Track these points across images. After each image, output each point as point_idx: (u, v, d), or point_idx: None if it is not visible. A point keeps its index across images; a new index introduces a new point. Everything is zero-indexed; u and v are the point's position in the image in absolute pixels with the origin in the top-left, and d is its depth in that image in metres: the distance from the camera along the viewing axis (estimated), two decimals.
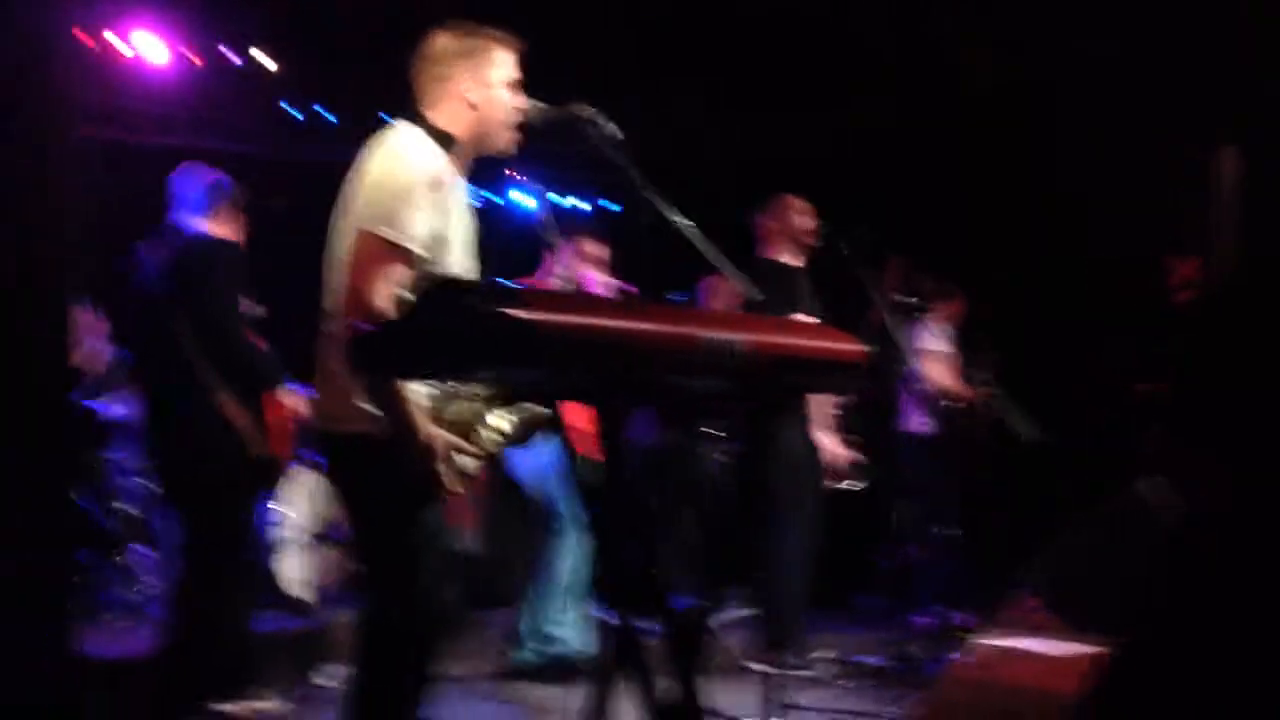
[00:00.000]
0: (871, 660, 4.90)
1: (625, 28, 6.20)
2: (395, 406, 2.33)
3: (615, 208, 7.98)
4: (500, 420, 2.42)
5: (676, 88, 6.48)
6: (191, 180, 3.77)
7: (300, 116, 6.68)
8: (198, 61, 6.04)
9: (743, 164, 6.73)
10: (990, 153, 6.20)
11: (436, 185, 2.49)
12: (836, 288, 4.34)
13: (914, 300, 5.13)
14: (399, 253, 2.45)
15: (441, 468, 2.41)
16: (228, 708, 3.72)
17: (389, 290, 2.38)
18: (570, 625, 4.61)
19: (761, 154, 6.49)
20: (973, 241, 3.72)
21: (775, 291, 3.76)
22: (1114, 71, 5.74)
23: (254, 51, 6.24)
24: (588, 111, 2.54)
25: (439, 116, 2.61)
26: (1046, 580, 3.67)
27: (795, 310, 3.34)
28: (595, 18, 6.01)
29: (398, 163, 2.51)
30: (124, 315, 3.75)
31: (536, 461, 4.55)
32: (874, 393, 4.65)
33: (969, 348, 5.42)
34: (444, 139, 2.59)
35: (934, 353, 5.67)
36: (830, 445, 4.31)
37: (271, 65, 6.30)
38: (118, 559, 5.01)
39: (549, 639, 4.60)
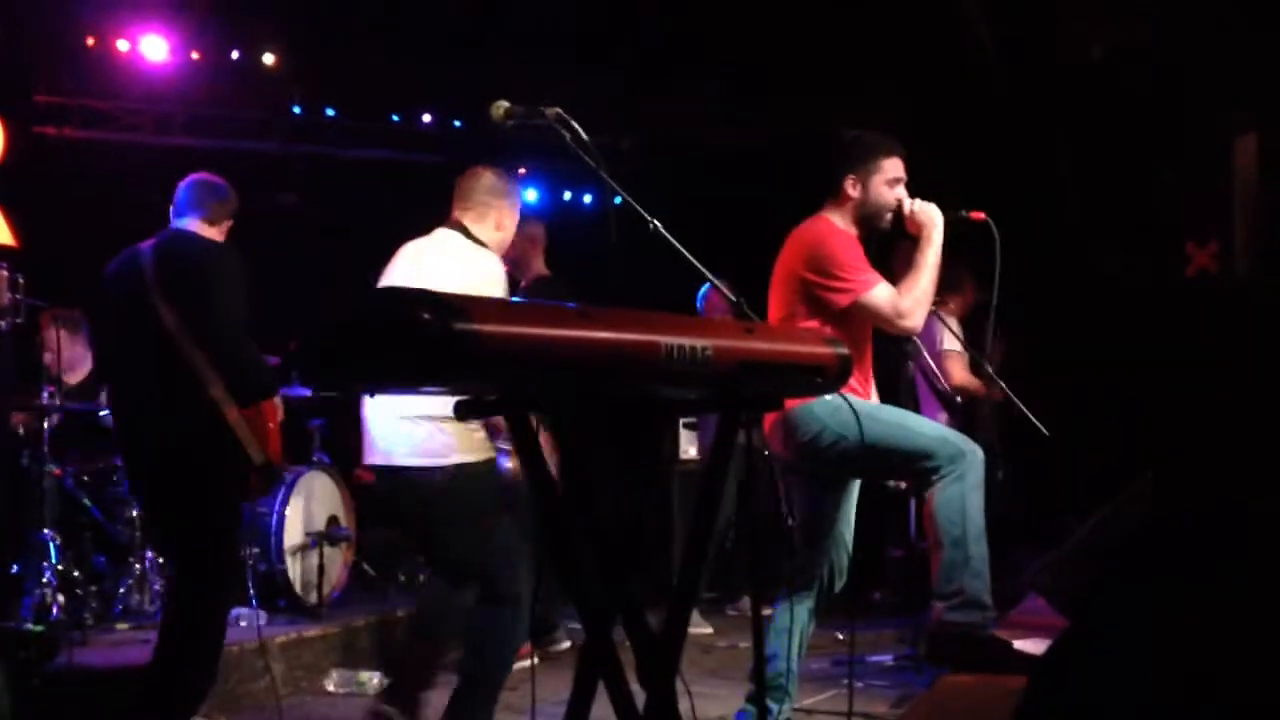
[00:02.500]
0: (881, 658, 4.83)
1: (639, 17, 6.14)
2: None
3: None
4: None
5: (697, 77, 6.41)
6: (193, 186, 3.75)
7: (300, 112, 6.66)
8: (196, 56, 6.03)
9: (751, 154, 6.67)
10: (1001, 141, 6.10)
11: None
12: None
13: None
14: None
15: None
16: None
17: None
18: None
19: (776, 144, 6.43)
20: (979, 232, 3.64)
21: None
22: (1134, 60, 5.62)
23: (254, 47, 6.23)
24: (554, 111, 2.51)
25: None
26: (1055, 580, 3.60)
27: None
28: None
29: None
30: (117, 316, 3.66)
31: None
32: (890, 390, 4.56)
33: (977, 342, 5.31)
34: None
35: (951, 352, 5.58)
36: None
37: (270, 60, 6.28)
38: (135, 566, 5.00)
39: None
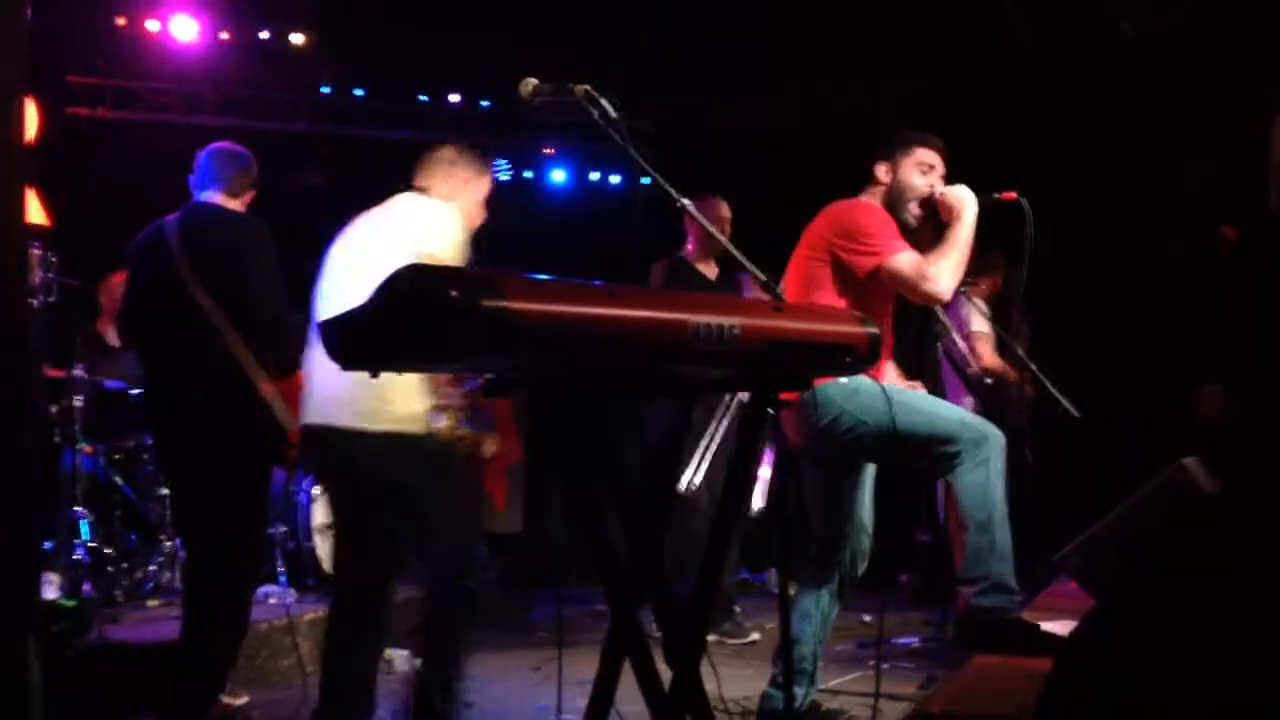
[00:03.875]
0: (907, 641, 4.82)
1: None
2: None
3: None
4: None
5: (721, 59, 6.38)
6: (214, 156, 3.73)
7: (328, 92, 6.67)
8: (225, 36, 6.04)
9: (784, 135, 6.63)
10: (1031, 121, 6.03)
11: None
12: None
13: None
14: None
15: None
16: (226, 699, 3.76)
17: None
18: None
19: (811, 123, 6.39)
20: (1011, 212, 3.59)
21: None
22: (1173, 42, 5.54)
23: (282, 28, 6.24)
24: (583, 88, 2.49)
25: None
26: (1083, 562, 3.58)
27: None
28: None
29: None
30: (144, 290, 3.69)
31: None
32: (916, 373, 4.52)
33: (1005, 323, 5.26)
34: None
35: (981, 333, 5.54)
36: None
37: (299, 41, 6.29)
38: (165, 544, 5.05)
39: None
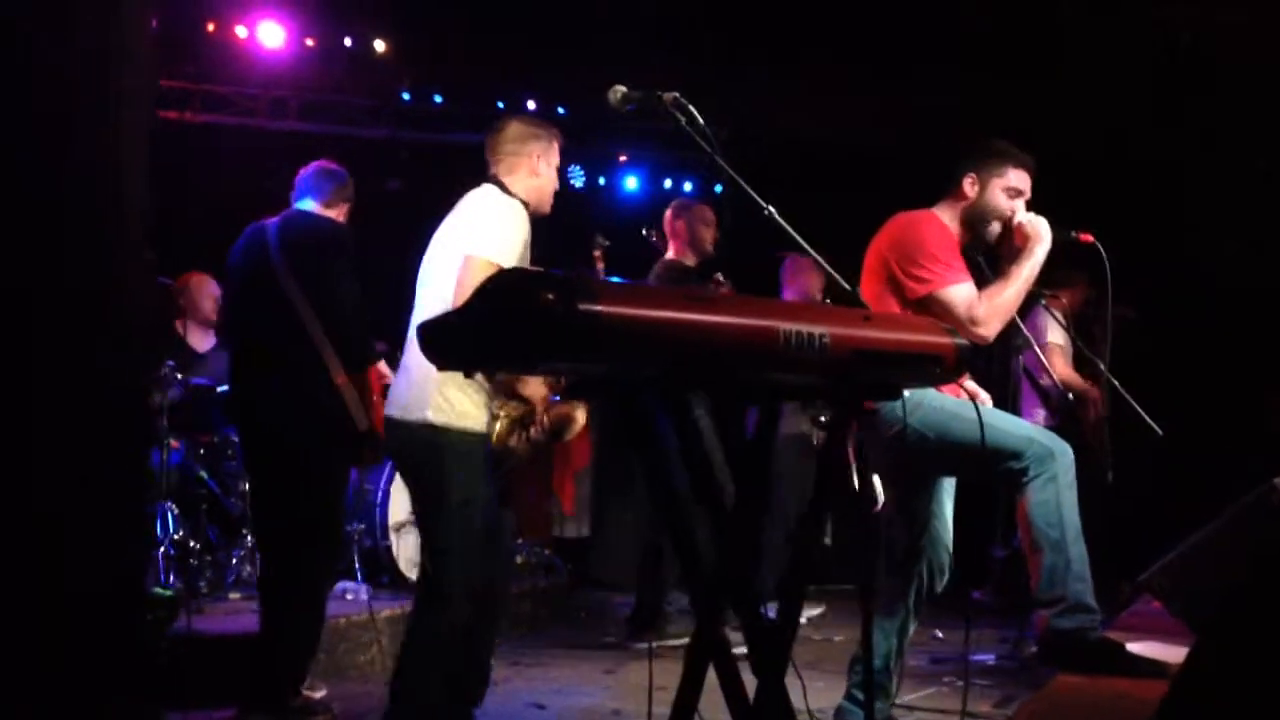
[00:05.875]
0: (983, 657, 4.75)
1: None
2: None
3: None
4: None
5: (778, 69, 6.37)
6: (314, 172, 3.97)
7: (409, 98, 6.77)
8: (310, 43, 6.16)
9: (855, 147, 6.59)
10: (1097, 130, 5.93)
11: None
12: None
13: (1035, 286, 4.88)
14: None
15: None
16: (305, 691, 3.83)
17: None
18: None
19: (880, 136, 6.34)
20: (1087, 220, 3.53)
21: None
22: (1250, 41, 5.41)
23: (365, 35, 6.34)
24: (671, 96, 2.50)
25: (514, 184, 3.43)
26: (1170, 583, 3.49)
27: None
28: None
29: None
30: (242, 286, 3.87)
31: None
32: (1000, 385, 4.46)
33: (1086, 337, 5.16)
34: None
35: (1056, 345, 5.44)
36: None
37: (381, 48, 6.39)
38: (247, 538, 5.16)
39: None
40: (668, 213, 5.27)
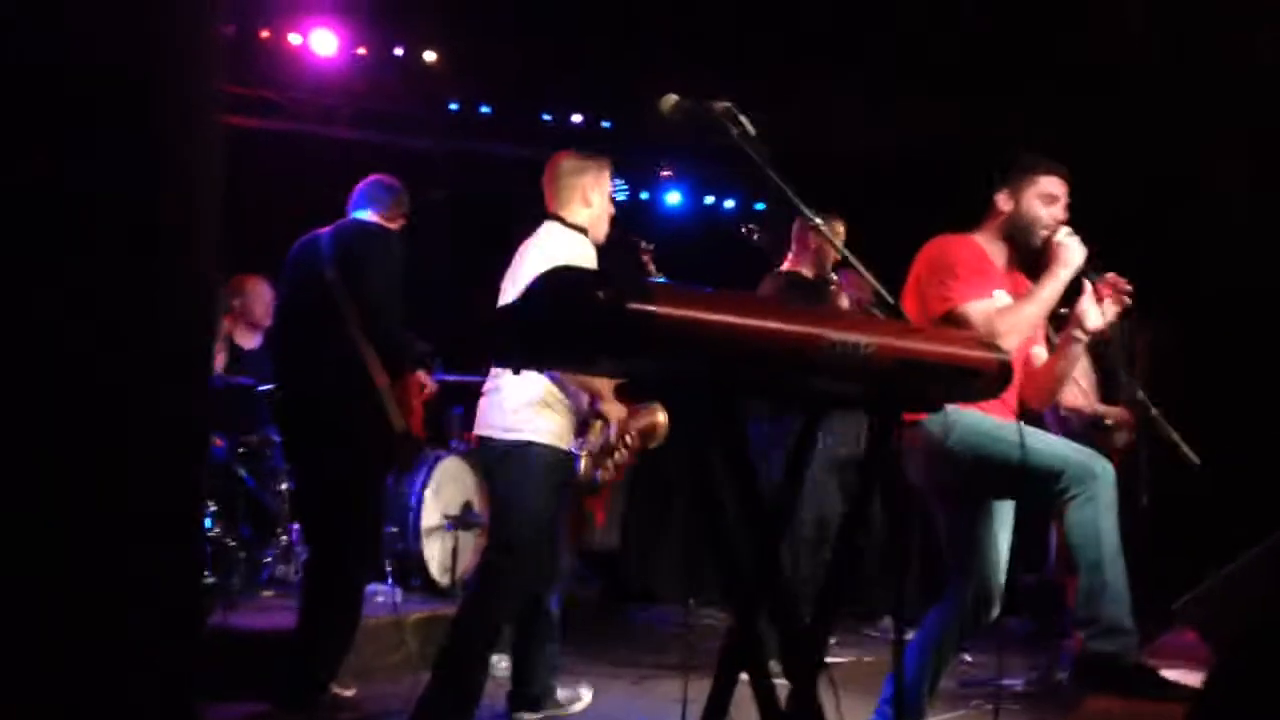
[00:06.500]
0: (1011, 682, 4.72)
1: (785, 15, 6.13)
2: None
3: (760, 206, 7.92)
4: None
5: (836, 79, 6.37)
6: (371, 184, 4.07)
7: (457, 108, 6.84)
8: (362, 52, 6.25)
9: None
10: (1160, 147, 5.90)
11: None
12: None
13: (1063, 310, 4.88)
14: None
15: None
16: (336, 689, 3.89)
17: None
18: None
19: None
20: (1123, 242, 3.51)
21: None
22: None
23: (416, 45, 6.42)
24: (723, 106, 2.53)
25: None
26: (1206, 613, 3.46)
27: None
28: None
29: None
30: (294, 290, 3.99)
31: None
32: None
33: (1127, 363, 5.12)
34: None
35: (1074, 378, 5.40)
36: None
37: (431, 58, 6.47)
38: (282, 537, 5.22)
39: None
40: (798, 221, 5.14)
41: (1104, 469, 3.08)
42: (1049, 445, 3.17)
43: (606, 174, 3.76)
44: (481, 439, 3.61)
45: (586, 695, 4.13)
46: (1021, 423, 3.16)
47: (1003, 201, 3.30)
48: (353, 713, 3.83)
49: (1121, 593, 3.08)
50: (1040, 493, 3.10)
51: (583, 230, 3.67)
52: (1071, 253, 3.18)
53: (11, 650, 1.83)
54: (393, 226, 4.01)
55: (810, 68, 6.28)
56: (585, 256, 3.57)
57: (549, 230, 3.66)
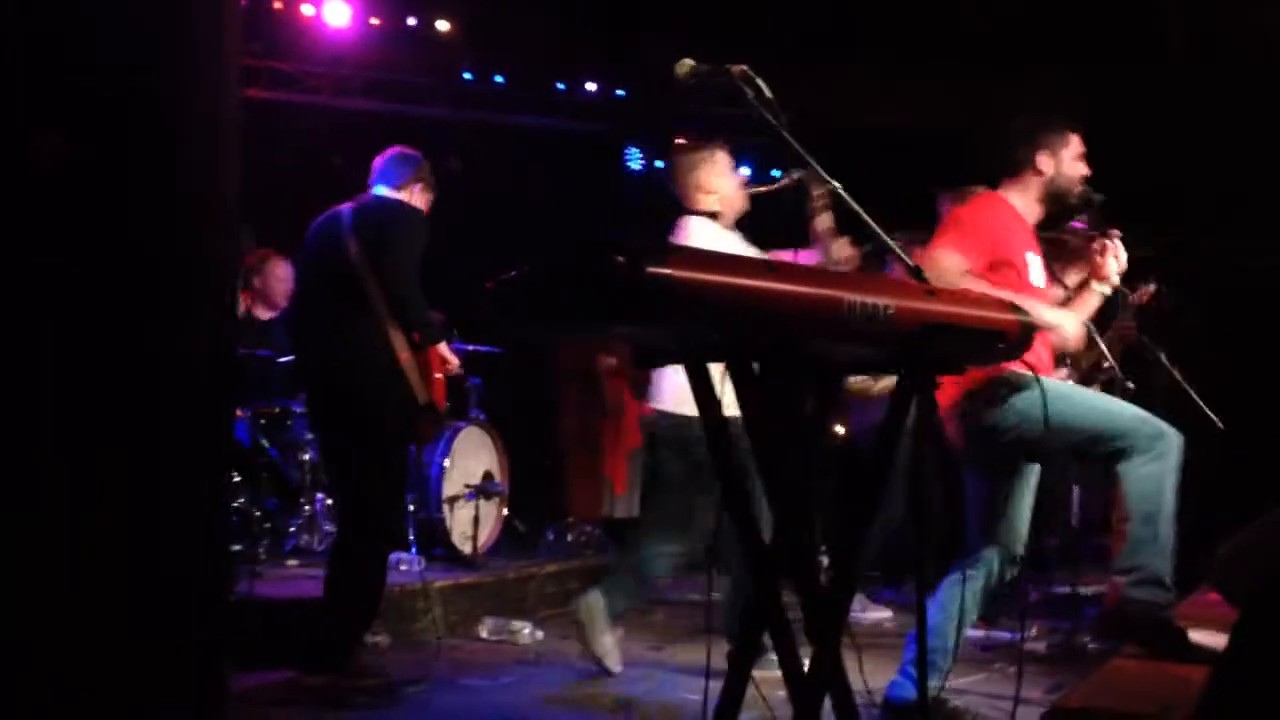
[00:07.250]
0: (1035, 646, 4.71)
1: None
2: None
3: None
4: None
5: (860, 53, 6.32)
6: (393, 157, 4.06)
7: (471, 78, 6.82)
8: (375, 22, 6.22)
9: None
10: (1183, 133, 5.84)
11: None
12: None
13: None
14: None
15: None
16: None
17: None
18: None
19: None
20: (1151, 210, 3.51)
21: None
22: None
23: (429, 14, 6.39)
24: (740, 69, 2.50)
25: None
26: (1230, 574, 3.46)
27: None
28: None
29: None
30: (315, 264, 3.98)
31: None
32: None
33: (1151, 331, 5.09)
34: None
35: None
36: None
37: (444, 28, 6.44)
38: (305, 508, 5.25)
39: None
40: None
41: (1173, 432, 3.13)
42: (1114, 406, 3.25)
43: (719, 157, 3.96)
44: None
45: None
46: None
47: (1044, 162, 3.35)
48: (377, 679, 3.85)
49: (1168, 551, 3.13)
50: (1108, 453, 3.13)
51: (713, 215, 3.90)
52: (1114, 267, 3.26)
53: (47, 620, 1.86)
54: (408, 196, 4.00)
55: (826, 41, 6.23)
56: (719, 239, 3.76)
57: (680, 224, 3.91)
